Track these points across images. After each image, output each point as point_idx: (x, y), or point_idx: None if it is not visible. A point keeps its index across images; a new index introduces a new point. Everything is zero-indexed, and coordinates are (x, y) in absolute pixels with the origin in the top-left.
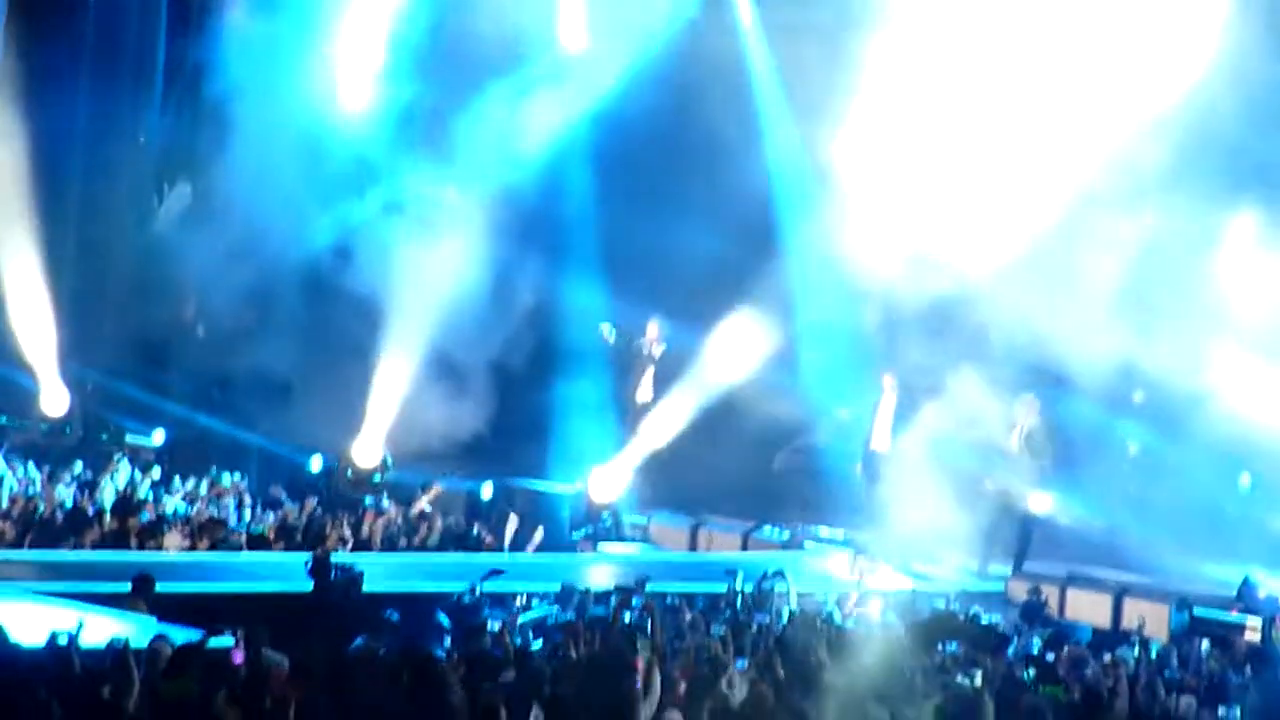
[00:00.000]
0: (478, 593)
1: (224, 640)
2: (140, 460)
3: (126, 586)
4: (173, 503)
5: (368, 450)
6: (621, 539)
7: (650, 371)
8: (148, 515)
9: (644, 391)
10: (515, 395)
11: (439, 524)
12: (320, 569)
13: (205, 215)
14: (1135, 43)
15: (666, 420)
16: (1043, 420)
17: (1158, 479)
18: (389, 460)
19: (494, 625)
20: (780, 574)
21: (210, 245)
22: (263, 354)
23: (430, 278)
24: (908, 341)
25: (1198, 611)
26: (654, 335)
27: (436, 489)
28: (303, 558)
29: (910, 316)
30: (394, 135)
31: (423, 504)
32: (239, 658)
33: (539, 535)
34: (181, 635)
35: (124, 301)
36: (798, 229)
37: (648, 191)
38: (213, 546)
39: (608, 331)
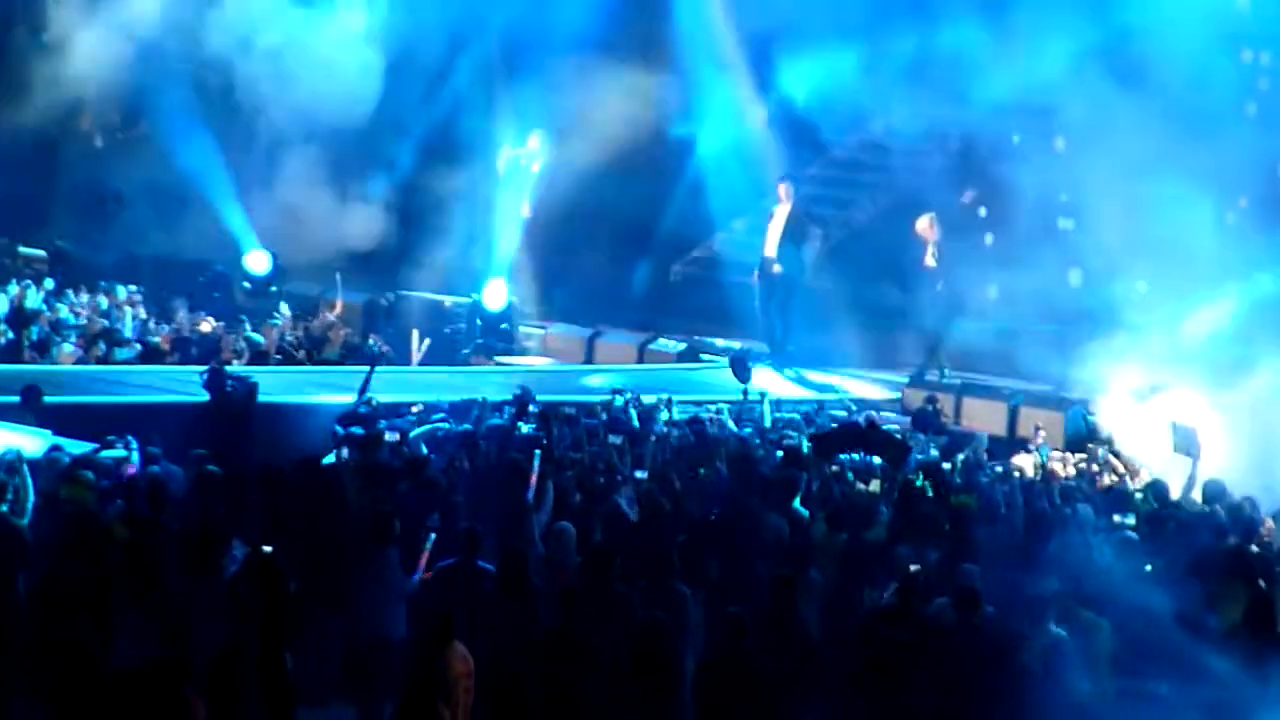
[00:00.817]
0: (373, 404)
1: (118, 452)
2: (33, 271)
3: (16, 398)
4: (66, 313)
5: (261, 260)
6: (517, 350)
7: (531, 184)
8: (41, 326)
9: (525, 207)
10: (411, 206)
11: (343, 335)
12: (215, 381)
13: (98, 18)
14: None
15: (561, 231)
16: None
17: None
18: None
19: (391, 436)
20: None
21: (105, 50)
22: (157, 163)
23: (326, 84)
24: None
25: (1093, 419)
26: (535, 147)
27: (340, 303)
28: (198, 370)
29: None
30: None
31: (329, 316)
32: (133, 469)
33: (425, 344)
34: (77, 447)
35: (16, 111)
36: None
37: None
38: (106, 358)
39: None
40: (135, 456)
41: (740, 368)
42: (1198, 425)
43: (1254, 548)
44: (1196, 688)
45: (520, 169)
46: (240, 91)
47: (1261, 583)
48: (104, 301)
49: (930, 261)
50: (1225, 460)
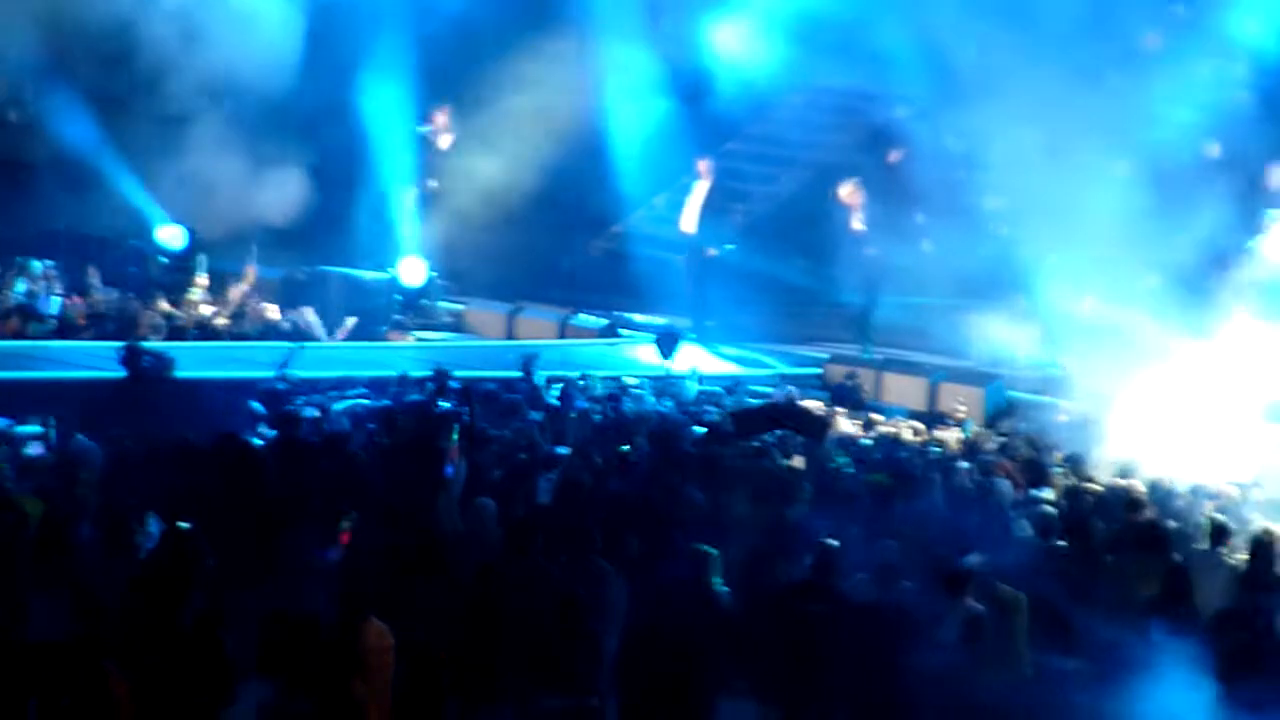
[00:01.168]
0: (291, 380)
1: (33, 428)
2: None
3: None
4: None
5: (175, 234)
6: (437, 326)
7: (445, 158)
8: None
9: (431, 182)
10: (328, 183)
11: (261, 310)
12: (132, 357)
13: None
14: None
15: (480, 207)
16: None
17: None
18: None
19: (310, 413)
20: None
21: (12, 19)
22: (68, 135)
23: (240, 52)
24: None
25: (1012, 394)
26: (442, 124)
27: (252, 271)
28: (114, 345)
29: None
30: None
31: (243, 287)
32: (45, 446)
33: (351, 322)
34: None
35: None
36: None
37: None
38: (21, 334)
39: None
40: (51, 433)
41: (665, 344)
42: (1101, 402)
43: (1171, 522)
44: (1110, 662)
45: (434, 143)
46: (146, 54)
47: (1177, 555)
48: (22, 283)
49: (857, 225)
50: (1129, 438)
